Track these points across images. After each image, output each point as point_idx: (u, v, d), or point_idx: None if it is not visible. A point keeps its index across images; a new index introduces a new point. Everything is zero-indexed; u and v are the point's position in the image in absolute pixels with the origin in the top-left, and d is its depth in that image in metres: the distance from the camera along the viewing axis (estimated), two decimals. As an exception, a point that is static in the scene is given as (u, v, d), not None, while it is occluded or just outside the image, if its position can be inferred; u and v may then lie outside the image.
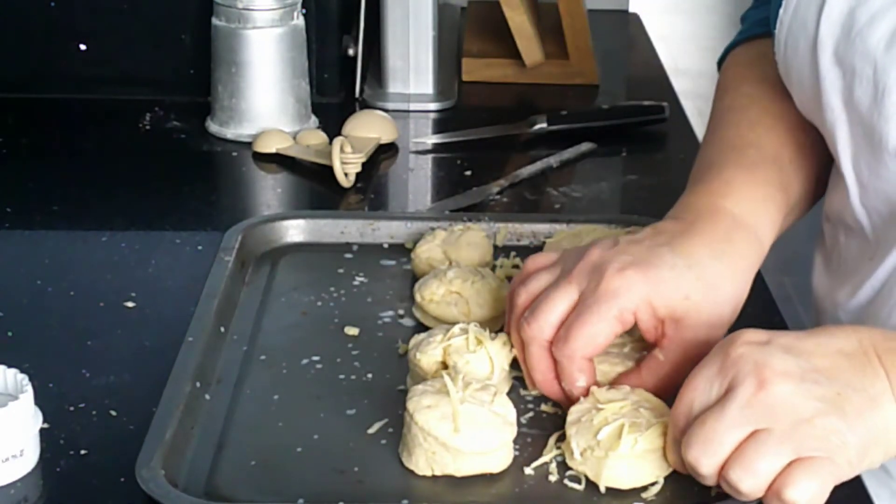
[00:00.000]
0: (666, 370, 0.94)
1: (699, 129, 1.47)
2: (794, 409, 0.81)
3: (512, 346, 1.02)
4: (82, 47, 1.59)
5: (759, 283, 1.19)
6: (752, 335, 0.85)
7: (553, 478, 0.91)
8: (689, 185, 1.05)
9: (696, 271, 0.94)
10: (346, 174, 1.36)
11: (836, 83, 0.97)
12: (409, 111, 1.61)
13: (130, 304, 1.13)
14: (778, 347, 0.84)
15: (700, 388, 0.85)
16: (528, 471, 0.91)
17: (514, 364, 1.02)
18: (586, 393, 0.93)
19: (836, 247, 1.07)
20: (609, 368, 0.97)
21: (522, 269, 0.99)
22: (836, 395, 0.82)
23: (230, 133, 1.50)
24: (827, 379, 0.83)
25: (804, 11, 0.98)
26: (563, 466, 0.92)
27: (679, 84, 1.82)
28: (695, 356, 0.90)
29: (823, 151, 1.06)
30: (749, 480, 0.81)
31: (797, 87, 1.02)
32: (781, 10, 1.00)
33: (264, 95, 1.49)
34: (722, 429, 0.82)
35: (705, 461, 0.83)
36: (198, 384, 0.98)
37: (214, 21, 1.50)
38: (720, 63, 1.17)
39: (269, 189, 1.41)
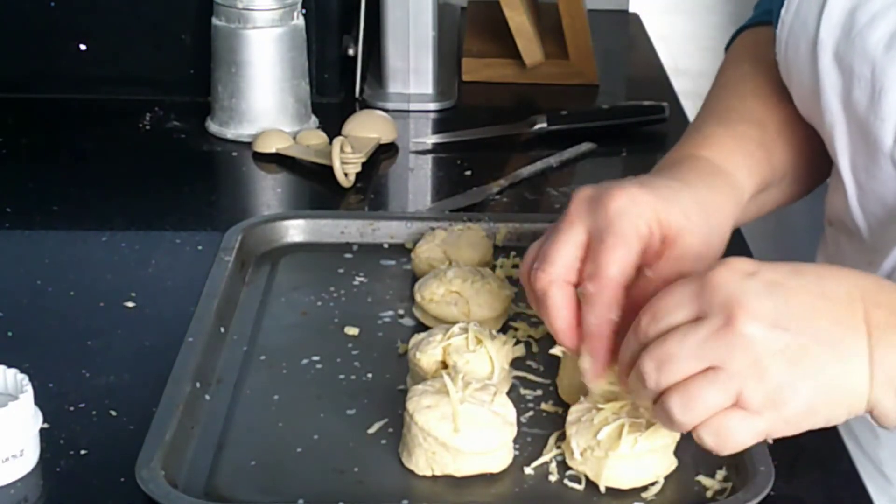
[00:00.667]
0: (651, 291, 0.89)
1: (699, 129, 1.47)
2: (752, 355, 0.79)
3: (515, 344, 1.02)
4: (82, 47, 1.59)
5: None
6: (741, 264, 0.82)
7: (553, 478, 0.91)
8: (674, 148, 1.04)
9: (692, 193, 0.93)
10: (346, 174, 1.36)
11: (835, 84, 0.97)
12: (409, 111, 1.61)
13: (130, 304, 1.13)
14: (760, 282, 0.80)
15: (671, 304, 0.82)
16: (528, 471, 0.91)
17: (514, 363, 1.02)
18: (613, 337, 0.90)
19: (838, 250, 1.07)
20: (609, 368, 0.96)
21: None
22: (800, 346, 0.79)
23: (230, 133, 1.50)
24: (797, 327, 0.79)
25: (805, 12, 0.98)
26: (563, 466, 0.92)
27: (679, 84, 1.82)
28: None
29: (817, 135, 1.05)
30: (684, 414, 0.80)
31: (797, 87, 1.02)
32: (783, 10, 1.00)
33: (264, 95, 1.49)
34: (679, 355, 0.80)
35: (651, 379, 0.81)
36: (198, 384, 0.98)
37: (214, 21, 1.50)
38: (728, 47, 1.17)
39: (269, 189, 1.41)
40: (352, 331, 1.08)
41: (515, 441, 0.92)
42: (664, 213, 0.90)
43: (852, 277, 0.83)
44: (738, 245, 1.26)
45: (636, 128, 1.54)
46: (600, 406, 0.91)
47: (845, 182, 1.00)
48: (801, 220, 1.11)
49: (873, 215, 1.00)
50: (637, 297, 0.89)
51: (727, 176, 0.98)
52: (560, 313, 0.90)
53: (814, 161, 1.08)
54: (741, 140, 1.02)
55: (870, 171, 0.98)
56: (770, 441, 0.85)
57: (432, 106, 1.62)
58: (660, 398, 0.81)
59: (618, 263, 0.88)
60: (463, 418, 0.89)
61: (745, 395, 0.79)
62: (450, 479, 0.90)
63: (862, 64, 0.94)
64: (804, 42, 0.99)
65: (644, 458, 0.89)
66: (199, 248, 1.22)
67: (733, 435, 0.80)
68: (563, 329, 0.90)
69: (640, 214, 0.89)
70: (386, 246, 1.22)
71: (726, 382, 0.79)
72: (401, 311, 1.11)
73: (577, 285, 0.90)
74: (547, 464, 0.92)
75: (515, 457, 0.92)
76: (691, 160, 0.99)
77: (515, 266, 1.17)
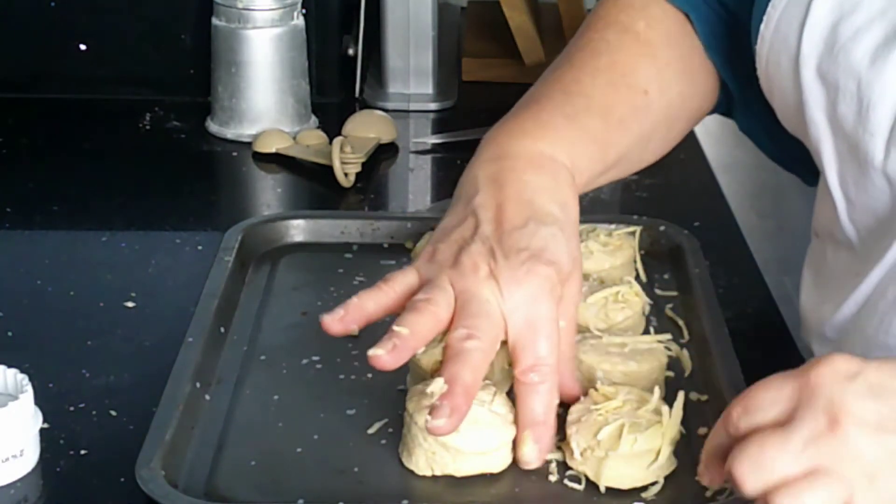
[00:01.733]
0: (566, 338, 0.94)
1: (699, 129, 1.47)
2: (860, 461, 0.76)
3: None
4: (82, 47, 1.59)
5: (759, 282, 1.19)
6: (843, 364, 0.79)
7: (553, 478, 0.91)
8: (509, 115, 1.04)
9: (562, 226, 0.94)
10: (346, 174, 1.36)
11: (819, 99, 0.96)
12: (409, 111, 1.61)
13: (130, 304, 1.13)
14: (863, 385, 0.78)
15: (769, 398, 0.80)
16: (528, 471, 0.91)
17: (514, 364, 1.02)
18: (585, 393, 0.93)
19: (825, 262, 1.06)
20: (610, 368, 0.97)
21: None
22: None
23: (230, 133, 1.50)
24: None
25: (786, 27, 0.97)
26: (563, 466, 0.92)
27: (679, 84, 1.81)
28: None
29: (662, 118, 1.06)
30: None
31: (779, 101, 1.01)
32: (763, 26, 0.99)
33: (264, 95, 1.49)
34: (781, 457, 0.77)
35: (752, 481, 0.78)
36: (198, 384, 0.98)
37: (214, 21, 1.50)
38: None
39: (269, 189, 1.41)
40: (352, 331, 1.08)
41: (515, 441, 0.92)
42: (561, 276, 0.92)
43: None
44: (738, 245, 1.26)
45: (636, 128, 1.54)
46: (599, 406, 0.91)
47: (834, 196, 0.99)
48: (801, 222, 1.10)
49: (864, 227, 0.99)
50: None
51: (568, 171, 0.99)
52: (477, 374, 0.89)
53: (646, 151, 1.09)
54: (583, 135, 1.02)
55: (860, 184, 0.96)
56: None
57: (432, 106, 1.62)
58: (762, 500, 0.78)
59: (554, 349, 0.90)
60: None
61: (856, 500, 0.76)
62: (450, 479, 0.90)
63: (847, 78, 0.93)
64: (785, 57, 0.97)
65: (644, 458, 0.89)
66: (199, 248, 1.22)
67: None
68: (470, 385, 0.89)
69: (553, 293, 0.91)
70: (386, 246, 1.22)
71: (835, 488, 0.76)
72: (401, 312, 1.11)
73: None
74: (547, 464, 0.92)
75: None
76: (537, 163, 0.98)
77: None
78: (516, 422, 0.91)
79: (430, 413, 0.86)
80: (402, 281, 0.94)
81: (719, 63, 1.10)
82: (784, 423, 0.78)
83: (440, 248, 0.95)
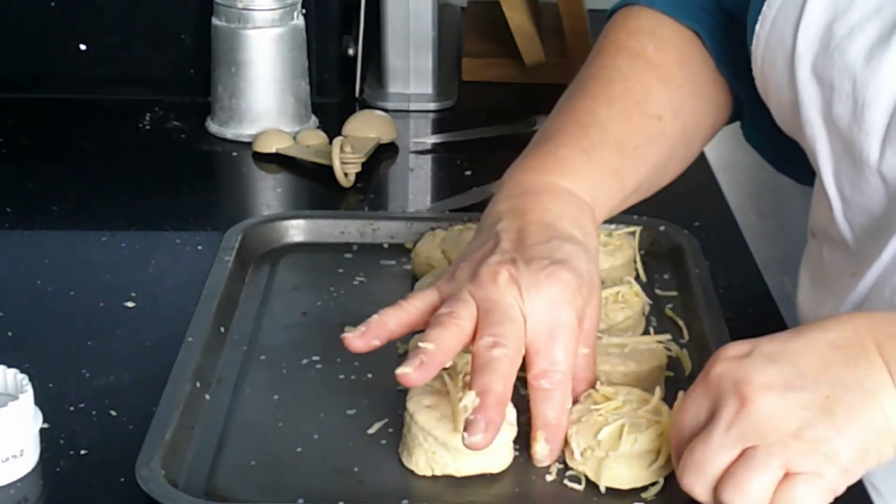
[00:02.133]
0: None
1: (699, 129, 1.47)
2: (779, 423, 0.79)
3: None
4: (82, 47, 1.59)
5: (759, 282, 1.19)
6: (732, 349, 0.83)
7: (553, 478, 0.91)
8: (528, 152, 1.04)
9: (581, 248, 0.94)
10: (346, 174, 1.36)
11: (814, 98, 0.96)
12: (409, 111, 1.61)
13: (130, 304, 1.13)
14: (759, 358, 0.81)
15: (689, 413, 0.83)
16: (528, 471, 0.91)
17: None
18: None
19: (821, 262, 1.06)
20: (610, 368, 0.97)
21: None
22: (825, 398, 0.79)
23: (230, 133, 1.50)
24: (814, 382, 0.80)
25: (781, 26, 0.97)
26: (563, 466, 0.92)
27: (679, 84, 1.81)
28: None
29: (677, 141, 1.07)
30: (742, 500, 0.79)
31: (775, 102, 1.01)
32: (758, 26, 0.99)
33: (264, 95, 1.49)
34: (709, 453, 0.80)
35: (698, 487, 0.81)
36: (198, 384, 0.98)
37: (214, 21, 1.50)
38: (608, 17, 1.16)
39: (269, 189, 1.41)
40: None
41: (515, 441, 0.92)
42: (583, 290, 0.92)
43: (856, 319, 0.83)
44: (737, 245, 1.26)
45: (636, 128, 1.54)
46: (599, 406, 0.91)
47: (829, 195, 0.99)
48: (801, 222, 1.10)
49: (860, 227, 0.99)
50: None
51: (588, 206, 1.00)
52: (508, 382, 0.88)
53: (665, 173, 1.10)
54: (601, 170, 1.02)
55: (855, 184, 0.97)
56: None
57: (432, 106, 1.62)
58: (719, 498, 0.80)
59: (570, 357, 0.91)
60: (463, 418, 0.89)
61: (793, 461, 0.79)
62: (450, 479, 0.90)
63: (842, 77, 0.93)
64: (781, 57, 0.97)
65: (644, 458, 0.89)
66: (199, 248, 1.22)
67: (804, 502, 0.79)
68: (502, 395, 0.88)
69: (574, 302, 0.91)
70: (386, 246, 1.22)
71: (767, 455, 0.79)
72: (401, 311, 1.11)
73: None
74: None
75: (515, 457, 0.92)
76: (559, 196, 0.99)
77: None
78: (529, 421, 0.91)
79: (465, 429, 0.85)
80: (423, 299, 0.94)
81: (730, 75, 1.10)
82: (710, 420, 0.81)
83: (460, 267, 0.94)
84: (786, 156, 1.11)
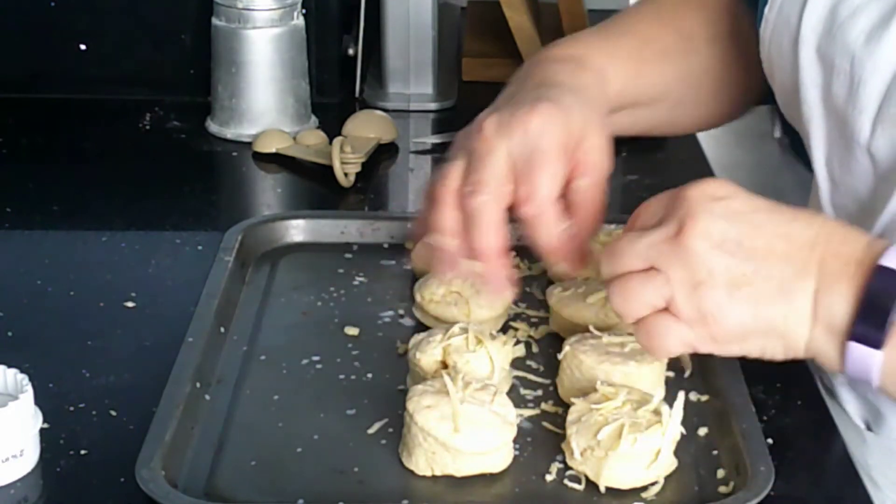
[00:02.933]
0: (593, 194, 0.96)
1: (699, 129, 1.47)
2: (691, 268, 0.83)
3: (515, 345, 1.02)
4: (82, 47, 1.59)
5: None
6: (717, 187, 0.86)
7: (553, 478, 0.91)
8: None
9: (581, 97, 0.97)
10: (346, 174, 1.36)
11: (815, 79, 0.98)
12: (409, 111, 1.61)
13: (130, 304, 1.13)
14: (725, 208, 0.84)
15: (647, 210, 0.88)
16: (528, 471, 0.91)
17: (514, 363, 1.02)
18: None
19: None
20: (610, 367, 0.97)
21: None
22: (742, 274, 0.83)
23: (230, 133, 1.50)
24: (746, 256, 0.83)
25: (788, 9, 0.99)
26: (563, 466, 0.92)
27: (679, 84, 1.81)
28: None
29: (707, 67, 1.09)
30: (619, 303, 0.85)
31: (779, 85, 1.03)
32: (767, 9, 1.01)
33: (264, 95, 1.49)
34: (628, 251, 0.85)
35: (605, 267, 0.87)
36: (198, 384, 0.98)
37: (214, 21, 1.50)
38: None
39: (269, 189, 1.41)
40: (352, 331, 1.08)
41: (515, 441, 0.92)
42: (570, 123, 0.94)
43: (824, 226, 0.85)
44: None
45: (636, 128, 1.54)
46: (599, 406, 0.91)
47: (818, 178, 1.01)
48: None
49: (846, 211, 1.00)
50: (587, 216, 0.95)
51: (597, 74, 1.02)
52: (493, 232, 0.92)
53: (682, 108, 1.11)
54: (617, 51, 1.06)
55: (844, 164, 0.98)
56: (692, 353, 0.89)
57: (432, 106, 1.62)
58: (607, 287, 0.87)
59: (550, 182, 0.92)
60: (463, 418, 0.89)
61: (676, 302, 0.84)
62: (450, 479, 0.90)
63: (842, 57, 0.95)
64: (787, 38, 0.99)
65: (644, 458, 0.89)
66: (199, 248, 1.22)
67: (661, 338, 0.85)
68: (494, 247, 0.92)
69: (556, 130, 0.93)
70: (386, 246, 1.22)
71: (661, 285, 0.84)
72: (401, 311, 1.11)
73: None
74: (547, 464, 0.92)
75: (515, 457, 0.92)
76: (568, 63, 1.02)
77: (516, 266, 1.17)
78: (529, 421, 0.93)
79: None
80: (449, 178, 0.95)
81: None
82: (649, 228, 0.85)
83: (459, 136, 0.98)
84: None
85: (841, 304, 0.82)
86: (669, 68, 1.09)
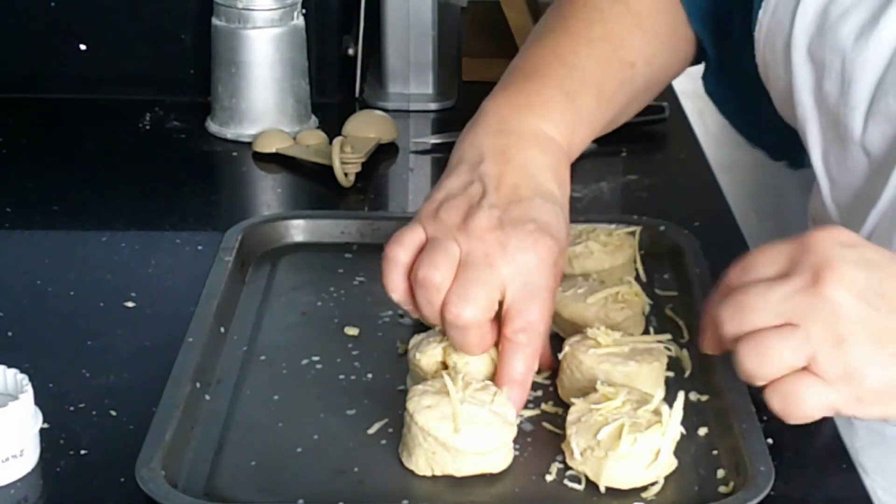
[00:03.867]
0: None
1: (699, 129, 1.48)
2: (834, 322, 0.79)
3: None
4: (82, 47, 1.59)
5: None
6: (843, 234, 0.82)
7: (553, 478, 0.91)
8: (505, 83, 1.06)
9: (560, 206, 0.98)
10: (346, 174, 1.36)
11: (807, 79, 0.99)
12: (409, 111, 1.61)
13: (130, 304, 1.13)
14: (858, 255, 0.80)
15: (764, 257, 0.83)
16: (528, 471, 0.91)
17: (514, 364, 1.02)
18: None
19: None
20: (610, 368, 0.97)
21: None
22: (886, 328, 0.79)
23: (230, 133, 1.50)
24: (889, 309, 0.79)
25: (781, 11, 1.00)
26: (563, 466, 0.92)
27: (679, 84, 1.81)
28: None
29: (643, 88, 1.11)
30: (756, 364, 0.80)
31: (774, 87, 1.04)
32: (761, 12, 1.02)
33: (264, 95, 1.49)
34: (759, 305, 0.80)
35: (730, 325, 0.82)
36: (198, 384, 0.98)
37: (214, 21, 1.50)
38: None
39: (269, 189, 1.41)
40: (352, 331, 1.08)
41: (515, 441, 0.92)
42: (560, 253, 0.96)
43: None
44: (738, 245, 1.26)
45: (636, 128, 1.54)
46: (599, 406, 0.91)
47: (818, 176, 1.02)
48: (801, 222, 1.11)
49: (845, 207, 1.01)
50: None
51: (566, 154, 1.02)
52: (480, 348, 0.95)
53: (624, 117, 1.13)
54: (580, 117, 1.05)
55: (840, 161, 0.99)
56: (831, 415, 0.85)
57: (432, 106, 1.62)
58: (735, 347, 0.81)
59: (547, 319, 0.95)
60: (463, 418, 0.89)
61: (819, 360, 0.79)
62: (450, 479, 0.90)
63: (833, 56, 0.96)
64: (780, 41, 1.00)
65: (644, 458, 0.89)
66: (199, 248, 1.22)
67: (802, 402, 0.80)
68: (480, 354, 0.95)
69: (553, 265, 0.94)
70: (386, 246, 1.22)
71: (802, 342, 0.79)
72: (401, 311, 1.11)
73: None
74: (547, 464, 0.92)
75: (515, 457, 0.92)
76: (541, 143, 1.01)
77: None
78: (528, 420, 0.94)
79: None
80: (408, 244, 0.96)
81: (700, 29, 1.13)
82: (778, 278, 0.80)
83: (445, 208, 0.96)
84: (746, 116, 1.15)
85: None
86: (613, 111, 1.08)
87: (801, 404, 0.80)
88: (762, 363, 0.80)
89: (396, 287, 0.96)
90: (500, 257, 0.93)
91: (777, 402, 0.81)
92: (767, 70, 1.03)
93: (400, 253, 0.96)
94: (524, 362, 0.94)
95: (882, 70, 0.94)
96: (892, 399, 0.80)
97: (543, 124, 1.02)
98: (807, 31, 0.98)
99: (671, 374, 1.01)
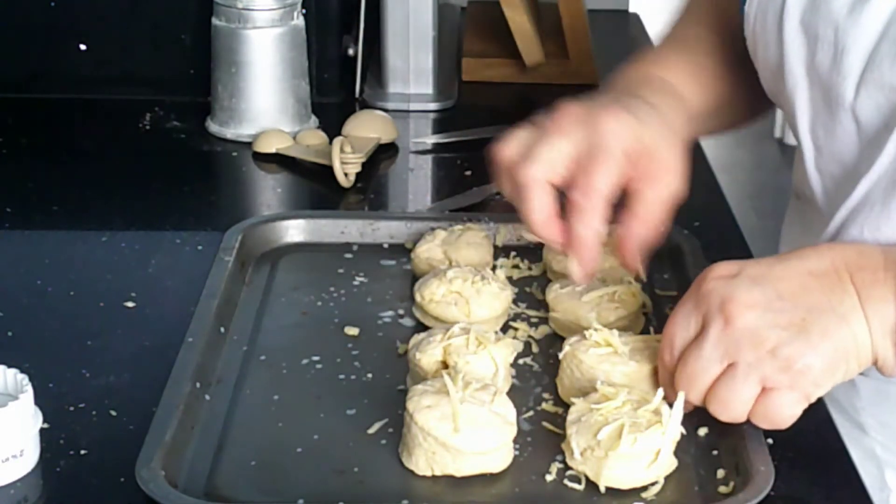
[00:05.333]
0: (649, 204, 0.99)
1: (699, 129, 1.47)
2: (757, 341, 0.87)
3: (515, 345, 1.02)
4: (82, 47, 1.59)
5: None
6: (723, 268, 0.91)
7: (553, 478, 0.91)
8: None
9: (658, 114, 1.01)
10: (346, 174, 1.36)
11: (799, 50, 1.01)
12: (409, 111, 1.61)
13: (130, 304, 1.13)
14: (745, 279, 0.89)
15: (680, 325, 0.91)
16: (528, 471, 0.91)
17: (515, 364, 1.02)
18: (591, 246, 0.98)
19: (801, 220, 1.14)
20: (610, 368, 0.97)
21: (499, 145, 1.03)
22: (802, 320, 0.87)
23: (230, 133, 1.50)
24: (793, 304, 0.88)
25: None
26: (563, 466, 0.92)
27: (679, 84, 1.81)
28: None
29: (738, 87, 1.14)
30: (725, 413, 0.89)
31: (762, 61, 1.06)
32: None
33: (264, 95, 1.49)
34: (700, 367, 0.89)
35: (692, 395, 0.90)
36: (198, 384, 0.98)
37: (214, 21, 1.50)
38: None
39: (269, 189, 1.41)
40: (352, 331, 1.08)
41: (515, 441, 0.92)
42: (642, 133, 0.98)
43: (833, 250, 0.91)
44: (738, 245, 1.26)
45: (636, 128, 1.54)
46: (599, 406, 0.91)
47: (803, 145, 1.04)
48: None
49: (830, 176, 1.04)
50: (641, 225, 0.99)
51: (680, 97, 1.08)
52: (541, 207, 0.98)
53: (749, 98, 1.16)
54: (695, 67, 1.12)
55: (829, 129, 1.01)
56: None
57: (432, 106, 1.62)
58: (707, 407, 0.90)
59: (606, 178, 0.96)
60: (463, 418, 0.89)
61: (769, 377, 0.87)
62: (450, 479, 0.90)
63: (826, 27, 0.99)
64: (771, 14, 1.03)
65: (644, 458, 0.89)
66: (199, 248, 1.22)
67: (779, 413, 0.88)
68: (542, 220, 0.98)
69: (626, 135, 0.98)
70: (386, 246, 1.22)
71: (746, 373, 0.87)
72: (401, 311, 1.11)
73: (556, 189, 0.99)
74: (547, 464, 0.92)
75: (515, 457, 0.92)
76: (651, 81, 1.08)
77: (516, 266, 1.17)
78: (528, 420, 0.94)
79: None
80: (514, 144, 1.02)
81: None
82: (699, 334, 0.89)
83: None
84: None
85: (887, 306, 0.88)
86: (732, 77, 1.13)
87: (780, 415, 0.89)
88: (730, 408, 0.89)
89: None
90: (573, 125, 0.98)
91: (765, 424, 0.89)
92: (756, 44, 1.06)
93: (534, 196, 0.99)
94: (581, 224, 0.96)
95: (875, 40, 0.96)
96: (834, 371, 0.88)
97: (662, 72, 1.09)
98: (799, 5, 1.00)
99: (671, 374, 1.01)
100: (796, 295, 0.88)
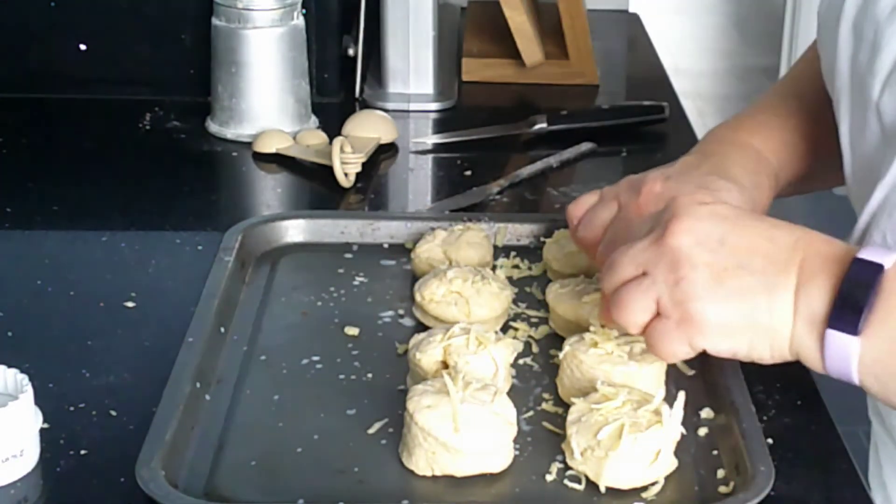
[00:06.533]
0: None
1: (699, 129, 1.47)
2: (674, 265, 0.87)
3: (515, 345, 1.02)
4: (82, 47, 1.59)
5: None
6: (704, 195, 0.93)
7: (553, 478, 0.91)
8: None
9: (744, 194, 1.02)
10: (346, 174, 1.36)
11: (847, 49, 1.01)
12: (409, 111, 1.61)
13: (130, 304, 1.12)
14: (708, 211, 0.88)
15: (639, 222, 0.93)
16: (528, 471, 0.91)
17: (515, 364, 1.02)
18: None
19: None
20: (610, 367, 0.97)
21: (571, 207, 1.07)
22: (724, 269, 0.86)
23: (230, 133, 1.50)
24: (729, 254, 0.86)
25: None
26: (563, 466, 0.92)
27: (679, 84, 1.82)
28: None
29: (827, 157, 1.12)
30: (619, 315, 0.90)
31: (825, 62, 1.06)
32: None
33: (264, 95, 1.49)
34: (623, 261, 0.90)
35: (604, 284, 0.92)
36: (198, 384, 0.98)
37: (214, 21, 1.50)
38: None
39: (269, 189, 1.41)
40: (352, 331, 1.08)
41: (515, 441, 0.92)
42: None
43: (808, 234, 0.88)
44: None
45: (636, 128, 1.54)
46: (599, 406, 0.91)
47: (843, 150, 1.04)
48: (801, 222, 1.11)
49: (857, 178, 1.03)
50: None
51: (771, 165, 1.08)
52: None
53: (837, 165, 1.11)
54: (791, 133, 1.11)
55: (860, 130, 1.01)
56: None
57: (432, 106, 1.62)
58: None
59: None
60: (463, 418, 0.89)
61: (662, 301, 0.88)
62: (450, 479, 0.90)
63: (869, 28, 0.99)
64: (834, 15, 1.03)
65: (644, 458, 0.89)
66: (199, 248, 1.22)
67: (659, 343, 0.88)
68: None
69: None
70: (386, 246, 1.22)
71: (648, 287, 0.88)
72: (401, 311, 1.11)
73: None
74: (547, 463, 0.92)
75: (516, 457, 0.92)
76: (740, 147, 1.08)
77: (515, 266, 1.17)
78: (528, 421, 0.92)
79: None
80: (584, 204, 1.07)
81: None
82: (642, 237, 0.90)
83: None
84: None
85: (820, 297, 0.85)
86: (819, 153, 1.13)
87: (663, 345, 0.88)
88: (622, 311, 0.89)
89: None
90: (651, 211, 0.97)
91: (649, 346, 0.90)
92: (822, 45, 1.06)
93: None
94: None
95: None
96: (731, 333, 0.87)
97: (751, 139, 1.09)
98: (855, 5, 1.00)
99: (671, 374, 1.01)
100: (738, 249, 0.86)
